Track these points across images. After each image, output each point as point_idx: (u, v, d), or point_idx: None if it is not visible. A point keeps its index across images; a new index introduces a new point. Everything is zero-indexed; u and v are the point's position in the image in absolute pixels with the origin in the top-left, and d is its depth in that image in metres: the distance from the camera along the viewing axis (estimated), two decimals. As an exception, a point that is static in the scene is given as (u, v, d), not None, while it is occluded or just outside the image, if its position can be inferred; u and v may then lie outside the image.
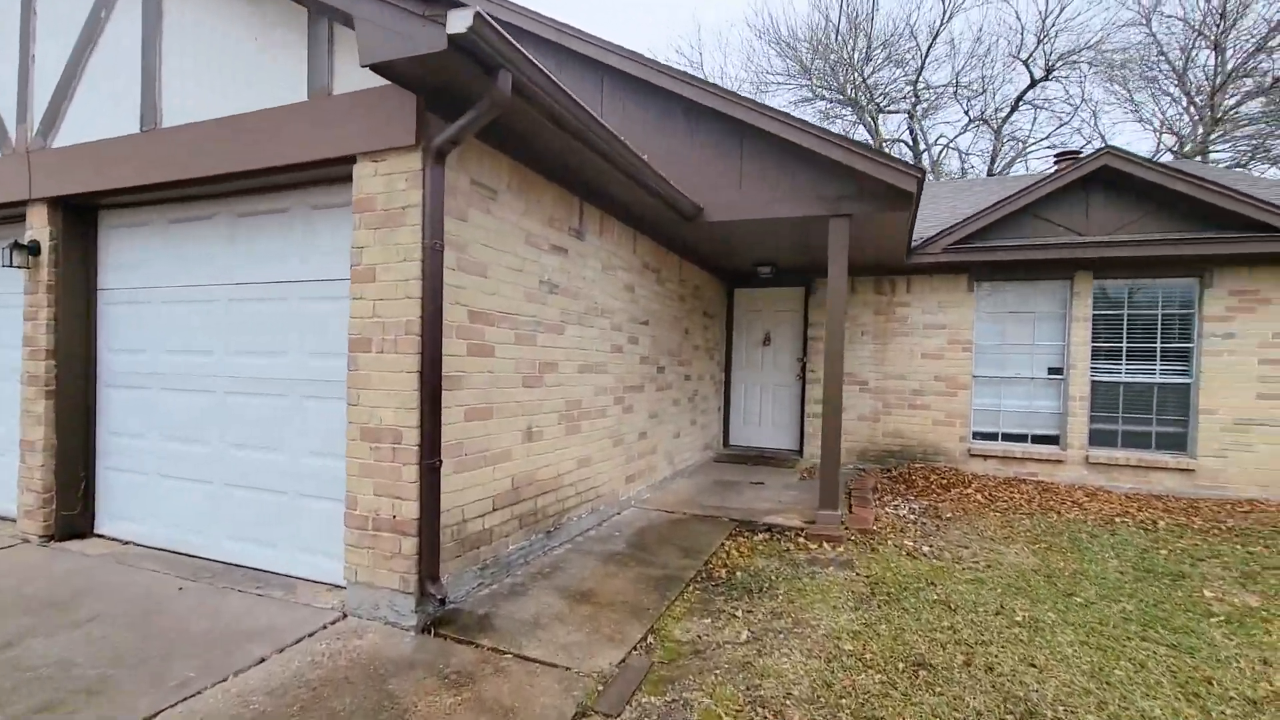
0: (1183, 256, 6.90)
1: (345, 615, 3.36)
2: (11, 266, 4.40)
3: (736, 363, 9.24)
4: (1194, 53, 21.03)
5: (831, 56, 20.82)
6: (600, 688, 2.74)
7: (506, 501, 3.98)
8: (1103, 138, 24.05)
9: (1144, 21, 20.81)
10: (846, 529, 5.21)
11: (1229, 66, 19.99)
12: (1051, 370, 7.71)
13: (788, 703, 2.66)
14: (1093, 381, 7.47)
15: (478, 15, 2.61)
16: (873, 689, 2.79)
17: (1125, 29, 21.13)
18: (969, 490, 6.84)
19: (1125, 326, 7.41)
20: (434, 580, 3.22)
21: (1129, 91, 25.36)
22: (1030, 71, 19.69)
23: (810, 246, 6.89)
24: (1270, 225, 6.44)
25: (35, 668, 2.76)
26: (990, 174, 21.82)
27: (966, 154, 22.78)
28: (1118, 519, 5.87)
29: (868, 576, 4.23)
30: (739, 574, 4.25)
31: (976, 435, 7.98)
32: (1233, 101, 19.63)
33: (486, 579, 3.78)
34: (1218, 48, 20.21)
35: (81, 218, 4.57)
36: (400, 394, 3.21)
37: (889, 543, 5.02)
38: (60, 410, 4.47)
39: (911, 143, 23.14)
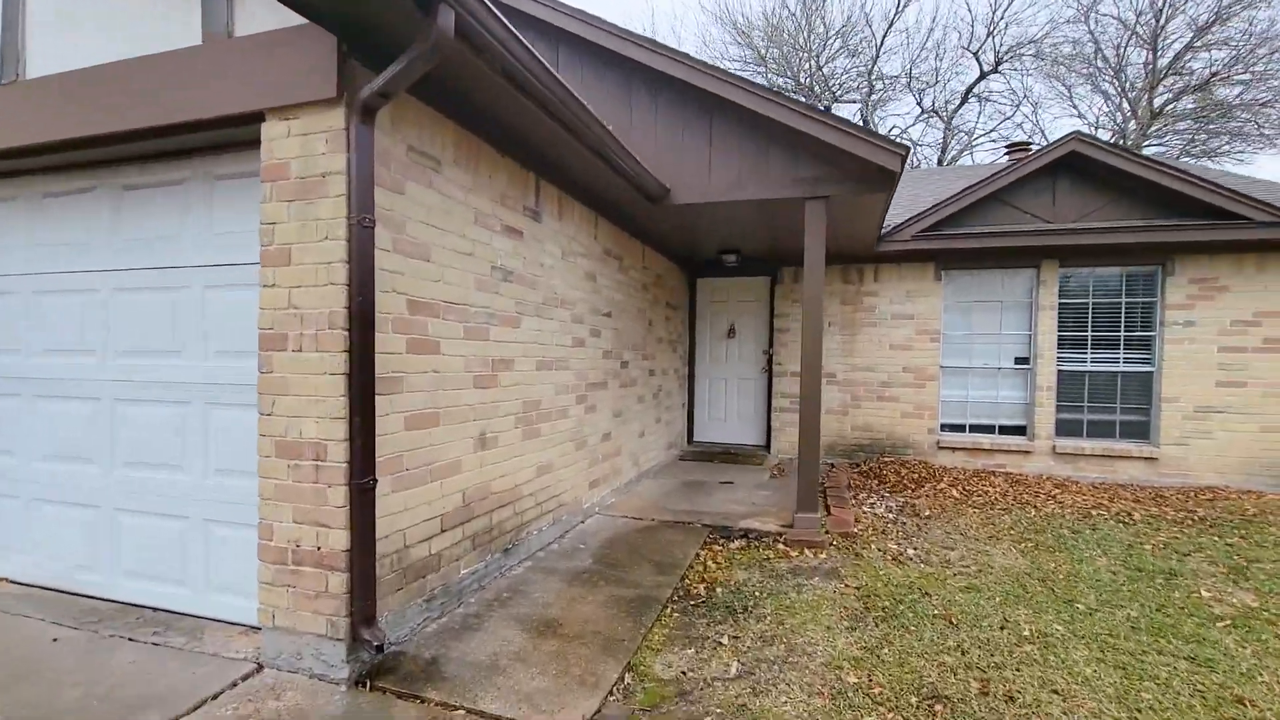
0: (1146, 244, 6.86)
1: (261, 667, 2.80)
2: None
3: (700, 356, 8.87)
4: (1129, 51, 21.80)
5: (785, 45, 20.66)
6: (574, 751, 2.29)
7: (457, 520, 3.46)
8: (1043, 133, 24.73)
9: (1083, 19, 21.44)
10: (827, 533, 4.89)
11: (1161, 65, 20.78)
12: (1018, 360, 7.62)
13: (796, 758, 2.27)
14: (1059, 371, 7.39)
15: (410, -72, 2.09)
16: (889, 733, 2.42)
17: (1067, 25, 21.66)
18: (941, 485, 6.65)
19: (1090, 315, 7.35)
20: (369, 623, 2.70)
21: (1068, 88, 26.20)
22: (980, 64, 19.99)
23: (779, 233, 6.55)
24: (1232, 212, 6.44)
25: None
26: (940, 165, 22.11)
27: (918, 145, 23.04)
28: (1094, 511, 5.75)
29: (857, 588, 3.89)
30: (719, 590, 3.85)
31: (945, 427, 7.84)
32: (1162, 100, 20.40)
33: (434, 612, 3.27)
34: (1152, 46, 20.99)
35: (-70, 191, 3.79)
36: (323, 401, 2.66)
37: (872, 546, 4.72)
38: (-93, 424, 3.70)
39: (864, 134, 23.22)
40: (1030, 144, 13.19)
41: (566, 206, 4.78)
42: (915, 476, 7.02)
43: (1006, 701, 2.64)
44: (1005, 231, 7.14)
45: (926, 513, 5.63)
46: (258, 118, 2.78)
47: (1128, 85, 21.78)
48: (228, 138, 3.01)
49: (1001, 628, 3.34)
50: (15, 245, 3.68)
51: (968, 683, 2.78)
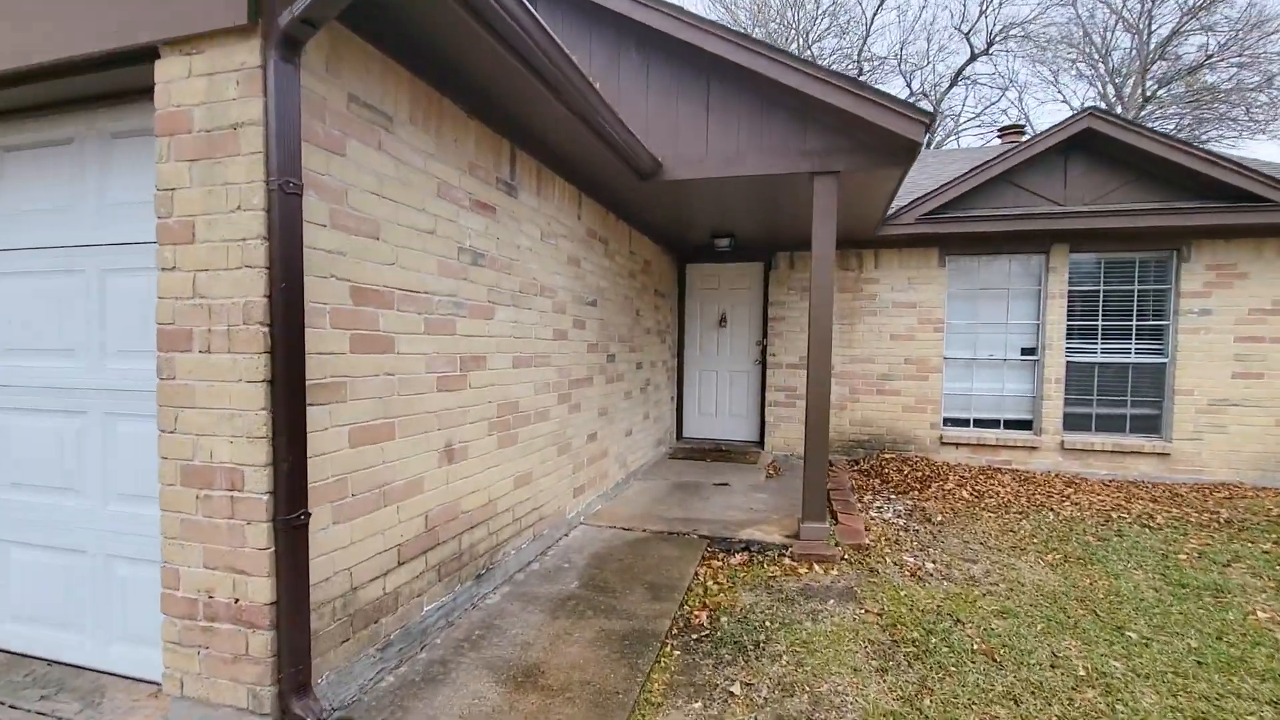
0: (1162, 228, 6.48)
1: (167, 746, 2.25)
2: None
3: (690, 347, 8.36)
4: (1116, 36, 21.58)
5: (772, 23, 20.06)
6: None
7: (419, 548, 2.92)
8: (1028, 118, 24.56)
9: (1071, 2, 21.14)
10: (837, 544, 4.43)
11: (1148, 50, 20.59)
12: (1024, 351, 7.23)
13: None
14: (1067, 363, 7.02)
15: None
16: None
17: (1055, 8, 21.31)
18: (948, 485, 6.25)
19: (1101, 303, 6.98)
20: (302, 691, 2.16)
21: (1054, 74, 25.98)
22: (971, 45, 19.59)
23: (778, 214, 6.04)
24: (1255, 194, 6.06)
25: None
26: (927, 148, 21.75)
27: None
28: (1114, 514, 5.38)
29: (880, 614, 3.44)
30: (724, 620, 3.37)
31: (948, 422, 7.44)
32: (1152, 86, 20.23)
33: (391, 660, 2.73)
34: (1139, 31, 20.78)
35: None
36: (239, 415, 2.10)
37: (887, 560, 4.28)
38: None
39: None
40: (1022, 127, 12.85)
41: (547, 181, 4.21)
42: (919, 475, 6.61)
43: (1083, 772, 2.19)
44: (1014, 214, 6.71)
45: (939, 518, 5.21)
46: (151, 54, 2.18)
47: (1114, 71, 21.60)
48: (121, 82, 2.40)
49: (1052, 665, 2.90)
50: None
51: (1031, 745, 2.34)
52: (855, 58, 20.08)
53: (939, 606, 3.54)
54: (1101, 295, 6.97)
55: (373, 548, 2.61)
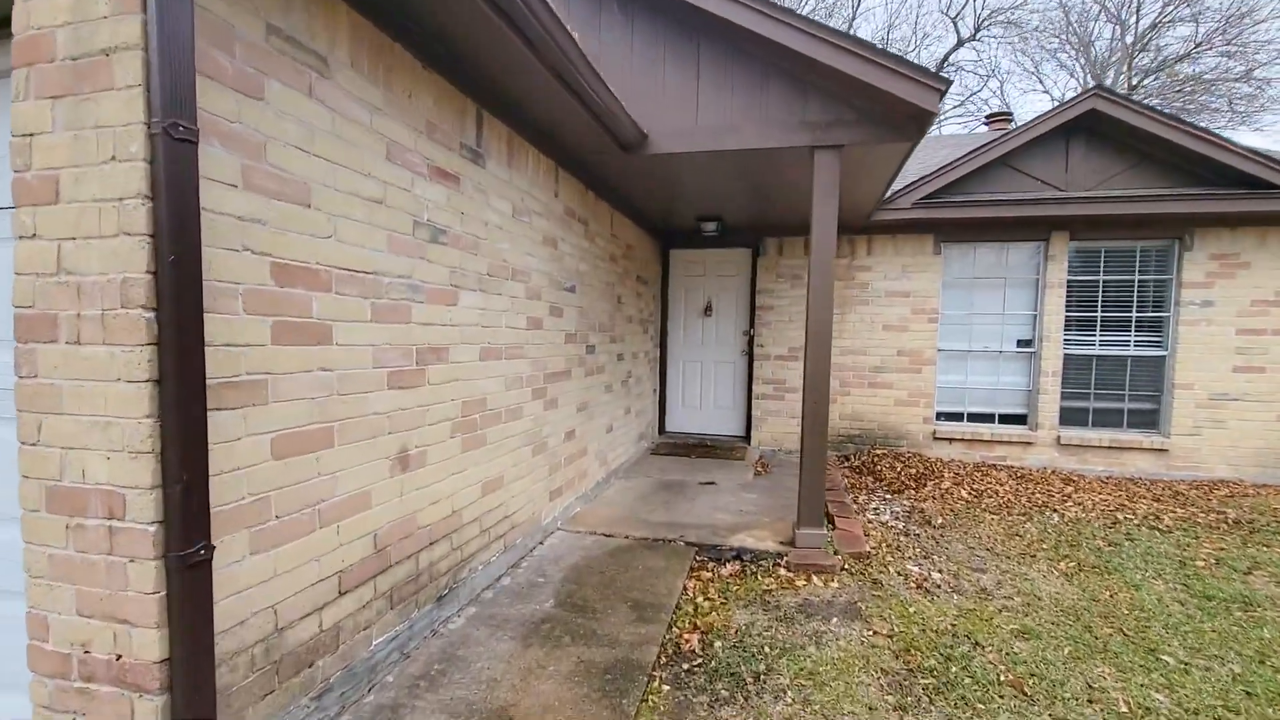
0: (1166, 215, 6.23)
1: (36, 836, 1.80)
2: None
3: (673, 337, 7.96)
4: (1098, 26, 21.54)
5: (756, 6, 19.54)
6: None
7: (366, 573, 2.49)
8: (1009, 108, 24.47)
9: (1056, -9, 21.00)
10: (836, 553, 4.09)
11: (1131, 40, 20.56)
12: (1021, 343, 6.96)
13: None
14: (1065, 355, 6.76)
15: None
16: None
17: (1038, -3, 21.15)
18: (944, 483, 5.96)
19: (1100, 294, 6.72)
20: (205, 768, 1.73)
21: (1035, 64, 25.93)
22: (958, 30, 19.35)
23: (770, 193, 5.65)
24: (1265, 180, 5.82)
25: None
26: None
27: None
28: (1119, 515, 5.12)
29: (890, 636, 3.09)
30: (718, 645, 2.99)
31: (941, 416, 7.16)
32: (1137, 77, 20.19)
33: (331, 708, 2.31)
34: (1120, 21, 20.73)
35: None
36: (117, 424, 1.65)
37: (890, 569, 3.95)
38: None
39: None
40: (1010, 115, 12.61)
41: (519, 151, 3.76)
42: (913, 472, 6.32)
43: (1149, 843, 1.86)
44: (1015, 199, 6.40)
45: (939, 520, 4.90)
46: (-1, -42, 1.70)
47: (1096, 60, 21.55)
48: (-25, 4, 1.91)
49: (1090, 700, 2.58)
50: None
51: (1082, 806, 2.00)
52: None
53: (953, 625, 3.21)
54: (1101, 285, 6.72)
55: (305, 578, 2.17)
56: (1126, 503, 5.48)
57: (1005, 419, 7.03)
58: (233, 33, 1.84)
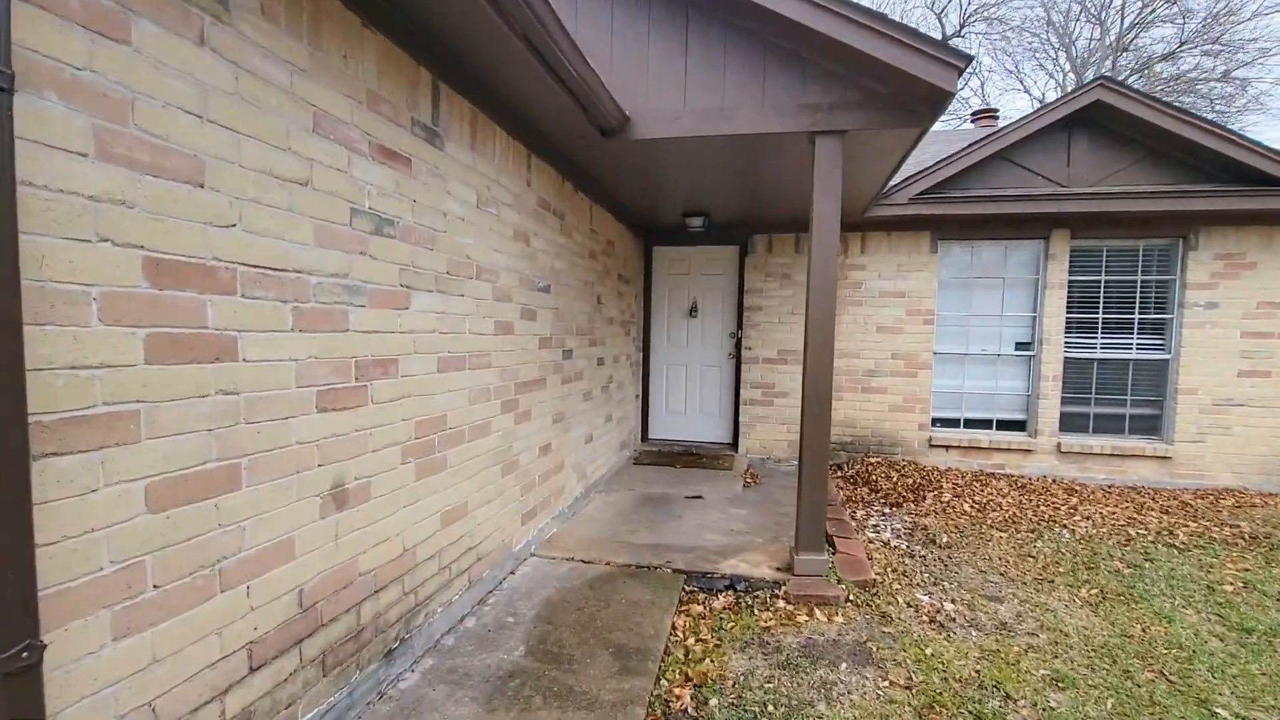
0: (1171, 213, 5.96)
1: None
2: None
3: (657, 339, 7.54)
4: (1080, 26, 21.56)
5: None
6: None
7: (287, 640, 2.04)
8: (988, 105, 24.45)
9: (1038, -9, 20.96)
10: (839, 581, 3.71)
11: (1109, 42, 20.62)
12: (1020, 345, 6.66)
13: None
14: (1065, 358, 6.48)
15: None
16: None
17: (1020, -4, 21.11)
18: (944, 495, 5.63)
19: (1102, 295, 6.45)
20: None
21: (1015, 63, 25.96)
22: (943, 26, 19.18)
23: (761, 186, 5.26)
24: (1271, 176, 5.57)
25: None
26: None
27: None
28: (1130, 531, 4.83)
29: (908, 686, 2.71)
30: (714, 702, 2.59)
31: (937, 422, 6.84)
32: (1124, 76, 20.23)
33: (238, 814, 1.85)
34: (1100, 22, 20.79)
35: None
36: (-106, 484, 1.18)
37: (899, 600, 3.58)
38: None
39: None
40: (996, 111, 12.46)
41: (485, 132, 3.30)
42: (910, 483, 5.98)
43: None
44: (1016, 195, 6.09)
45: (944, 539, 4.55)
46: None
47: (1078, 60, 21.57)
48: None
49: (1148, 772, 2.22)
50: None
51: None
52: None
53: (977, 672, 2.84)
54: (1103, 286, 6.44)
55: (199, 658, 1.71)
56: (1136, 516, 5.19)
57: (1003, 425, 6.74)
58: (78, -52, 1.38)
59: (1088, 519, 5.07)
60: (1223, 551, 4.42)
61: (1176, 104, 18.92)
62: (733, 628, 3.25)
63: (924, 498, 5.54)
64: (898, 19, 3.23)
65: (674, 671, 2.82)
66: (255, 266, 1.86)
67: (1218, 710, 2.58)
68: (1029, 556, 4.25)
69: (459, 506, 3.15)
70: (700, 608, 3.47)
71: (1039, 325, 6.51)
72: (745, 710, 2.53)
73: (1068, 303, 6.44)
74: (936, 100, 3.35)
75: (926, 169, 6.20)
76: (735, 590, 3.69)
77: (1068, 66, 22.30)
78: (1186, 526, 4.94)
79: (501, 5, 2.41)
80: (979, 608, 3.51)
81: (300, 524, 2.07)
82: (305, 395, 2.08)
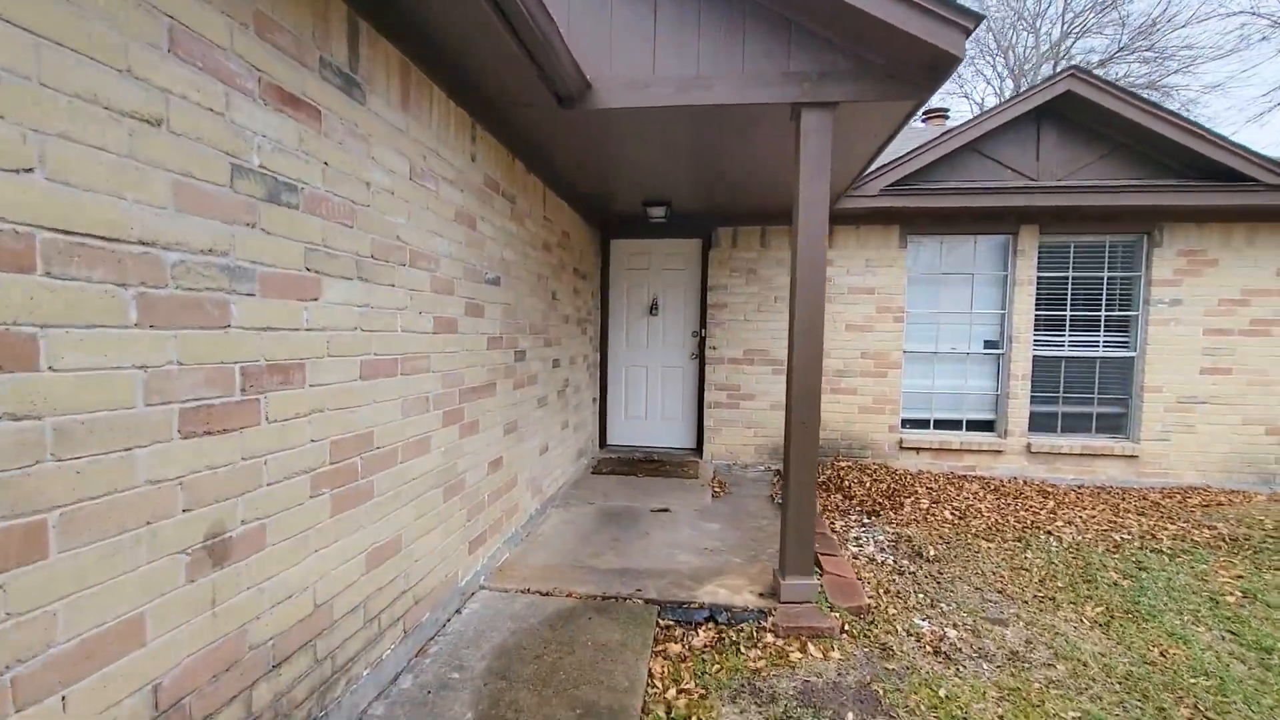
0: (1138, 208, 5.88)
1: None
2: None
3: (615, 338, 7.06)
4: (1016, 34, 22.22)
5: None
6: None
7: (134, 757, 1.46)
8: (931, 106, 24.98)
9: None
10: (830, 607, 3.31)
11: (1043, 49, 21.35)
12: (988, 344, 6.49)
13: None
14: (1034, 356, 6.34)
15: None
16: None
17: (963, 1, 21.54)
18: (922, 501, 5.35)
19: (1069, 292, 6.33)
20: None
21: (959, 74, 26.62)
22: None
23: (729, 169, 4.85)
24: (1238, 172, 5.53)
25: None
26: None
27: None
28: (1113, 534, 4.64)
29: (929, 742, 2.32)
30: (708, 779, 2.12)
31: (907, 423, 6.60)
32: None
33: None
34: (1035, 30, 21.51)
35: None
36: None
37: (897, 627, 3.21)
38: None
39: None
40: (946, 111, 12.52)
41: (420, 91, 2.75)
42: (884, 488, 5.69)
43: None
44: (988, 188, 5.89)
45: (932, 552, 4.24)
46: None
47: (1015, 66, 22.24)
48: None
49: (1225, 847, 1.87)
50: None
51: None
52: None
53: (1001, 718, 2.47)
54: (1070, 283, 6.33)
55: (-28, 820, 1.13)
56: (1114, 519, 5.02)
57: (973, 425, 6.55)
58: None
59: (1070, 524, 4.86)
60: (1210, 556, 4.26)
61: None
62: (718, 671, 2.80)
63: (901, 505, 5.24)
64: None
65: (655, 737, 2.34)
66: (70, 234, 1.29)
67: (1271, 754, 2.29)
68: (1022, 569, 3.97)
69: (391, 542, 2.59)
70: (679, 646, 3.01)
71: (1008, 323, 6.34)
72: (746, 788, 2.08)
73: (1036, 300, 6.29)
74: (940, 68, 2.99)
75: (897, 159, 5.94)
76: (717, 623, 3.24)
77: (1005, 73, 23.04)
78: (1165, 529, 4.79)
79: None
80: (984, 633, 3.17)
81: (156, 594, 1.50)
82: (161, 416, 1.51)
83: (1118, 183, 5.84)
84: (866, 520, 4.94)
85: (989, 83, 25.74)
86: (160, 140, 1.49)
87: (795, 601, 3.31)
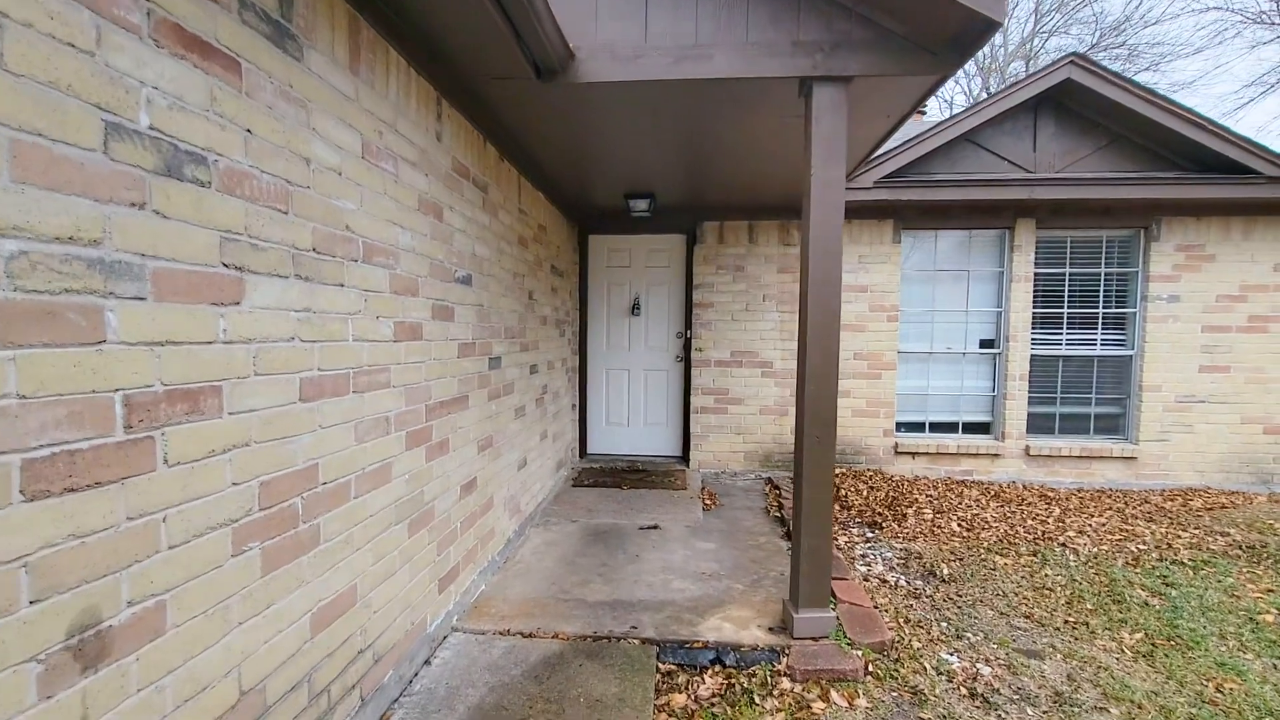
0: (1133, 201, 5.69)
1: None
2: None
3: (594, 340, 6.64)
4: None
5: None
6: None
7: None
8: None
9: None
10: (850, 643, 2.96)
11: (1012, 46, 21.53)
12: (984, 343, 6.25)
13: None
14: (1031, 355, 6.11)
15: None
16: None
17: None
18: (923, 510, 5.06)
19: (1067, 289, 6.12)
20: None
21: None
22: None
23: (716, 157, 4.46)
24: (1239, 164, 5.36)
25: None
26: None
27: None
28: (1128, 544, 4.40)
29: (990, 820, 1.97)
30: None
31: (901, 427, 6.33)
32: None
33: None
34: (1003, 28, 21.65)
35: None
36: None
37: (925, 664, 2.87)
38: None
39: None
40: (922, 108, 12.31)
41: (373, 53, 2.30)
42: (882, 496, 5.40)
43: None
44: (986, 180, 5.63)
45: (945, 570, 3.92)
46: None
47: (983, 64, 22.38)
48: None
49: None
50: None
51: None
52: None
53: (1064, 781, 2.14)
54: (1067, 279, 6.12)
55: None
56: (1124, 526, 4.79)
57: (969, 427, 6.30)
58: None
59: (1081, 533, 4.61)
60: (1231, 567, 4.03)
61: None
62: (731, 729, 2.42)
63: (904, 515, 4.94)
64: None
65: (668, 826, 1.95)
66: None
67: (1375, 820, 1.99)
68: (1044, 589, 3.68)
69: (343, 595, 2.14)
70: (683, 697, 2.63)
71: (1005, 321, 6.11)
72: None
73: (1033, 297, 6.07)
74: (971, 36, 2.64)
75: (891, 151, 5.64)
76: (724, 665, 2.86)
77: (974, 71, 23.18)
78: (1179, 537, 4.57)
79: None
80: (1020, 669, 2.85)
81: (-17, 727, 1.05)
82: (-12, 474, 1.06)
83: (1116, 175, 5.63)
84: (870, 534, 4.62)
85: (956, 81, 25.89)
86: (-19, 78, 1.04)
87: (811, 638, 2.95)
